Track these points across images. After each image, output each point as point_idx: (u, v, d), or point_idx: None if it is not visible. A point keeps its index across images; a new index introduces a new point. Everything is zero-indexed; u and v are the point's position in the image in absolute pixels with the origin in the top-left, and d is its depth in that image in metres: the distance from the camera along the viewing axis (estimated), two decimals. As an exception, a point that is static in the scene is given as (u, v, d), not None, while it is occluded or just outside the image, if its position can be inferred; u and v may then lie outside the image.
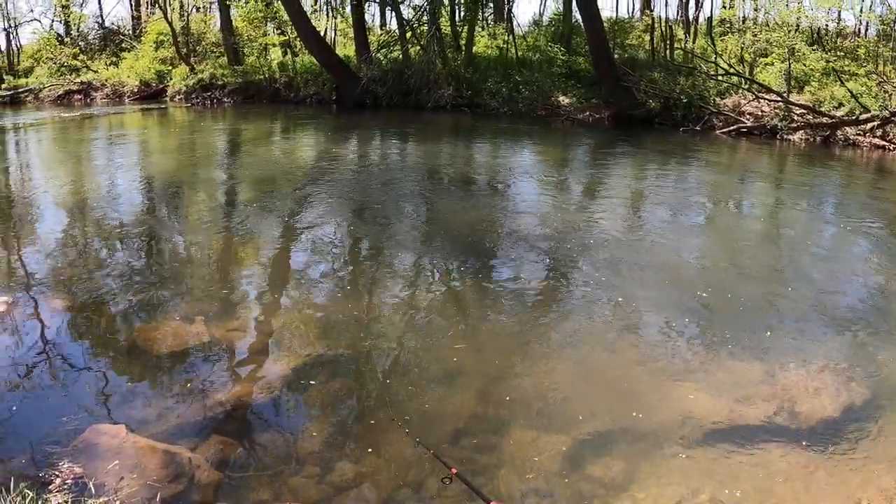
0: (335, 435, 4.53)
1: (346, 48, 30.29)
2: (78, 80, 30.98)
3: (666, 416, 4.74)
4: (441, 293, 7.17)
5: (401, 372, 5.45)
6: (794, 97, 19.96)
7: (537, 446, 4.39)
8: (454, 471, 3.88)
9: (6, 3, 35.42)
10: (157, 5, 34.01)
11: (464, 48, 26.64)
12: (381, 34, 31.87)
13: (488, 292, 7.09)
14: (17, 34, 36.27)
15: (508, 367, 5.49)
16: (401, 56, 26.68)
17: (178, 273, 7.68)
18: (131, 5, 37.59)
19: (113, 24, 37.26)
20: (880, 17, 24.98)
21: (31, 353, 5.68)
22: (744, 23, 26.97)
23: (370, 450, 4.37)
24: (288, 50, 30.25)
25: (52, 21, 36.45)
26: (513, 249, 8.57)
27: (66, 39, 35.08)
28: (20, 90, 30.92)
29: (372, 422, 4.69)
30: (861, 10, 27.00)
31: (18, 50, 36.27)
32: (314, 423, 4.67)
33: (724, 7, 29.39)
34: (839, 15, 26.98)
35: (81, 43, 34.79)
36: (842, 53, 23.57)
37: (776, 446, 4.42)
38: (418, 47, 26.40)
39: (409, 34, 26.99)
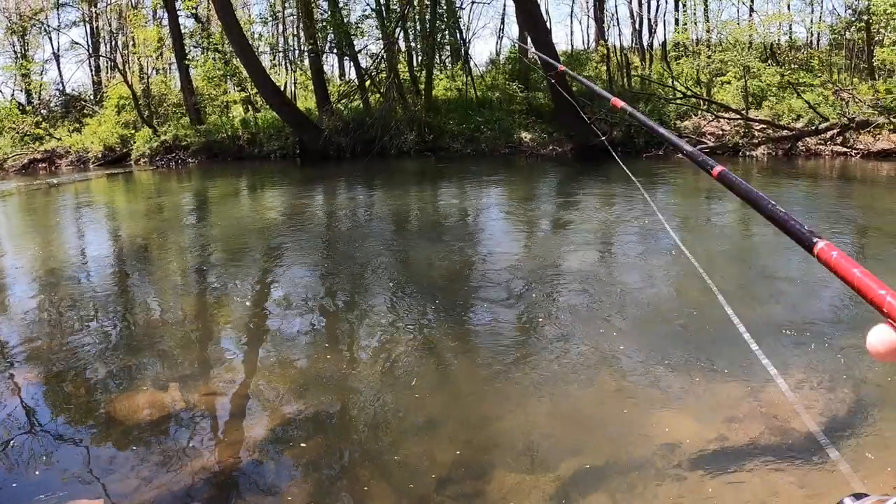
0: (317, 494, 4.42)
1: (307, 101, 30.46)
2: (41, 148, 30.76)
3: (651, 445, 4.69)
4: (417, 342, 7.09)
5: (380, 424, 5.35)
6: (752, 113, 20.32)
7: (522, 489, 4.31)
8: None
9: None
10: (116, 69, 34.04)
11: (423, 92, 26.87)
12: (341, 84, 32.08)
13: (464, 337, 7.04)
14: (-23, 106, 36.14)
15: (489, 411, 5.41)
16: (361, 105, 26.84)
17: (151, 339, 7.53)
18: (91, 71, 37.69)
19: (74, 90, 37.31)
20: (831, 26, 25.61)
21: (4, 428, 5.51)
22: (697, 45, 27.50)
23: (354, 507, 4.27)
24: (249, 106, 30.36)
25: (13, 91, 36.44)
26: (485, 292, 8.53)
27: (27, 108, 34.97)
28: (-17, 162, 30.68)
29: (355, 477, 4.59)
30: (811, 22, 27.71)
31: (-21, 122, 36.07)
32: (295, 484, 4.56)
33: (677, 32, 29.96)
34: (790, 28, 27.69)
35: (43, 111, 34.71)
36: (796, 66, 24.09)
37: (764, 466, 4.38)
38: (378, 95, 26.59)
39: (367, 83, 27.19)
